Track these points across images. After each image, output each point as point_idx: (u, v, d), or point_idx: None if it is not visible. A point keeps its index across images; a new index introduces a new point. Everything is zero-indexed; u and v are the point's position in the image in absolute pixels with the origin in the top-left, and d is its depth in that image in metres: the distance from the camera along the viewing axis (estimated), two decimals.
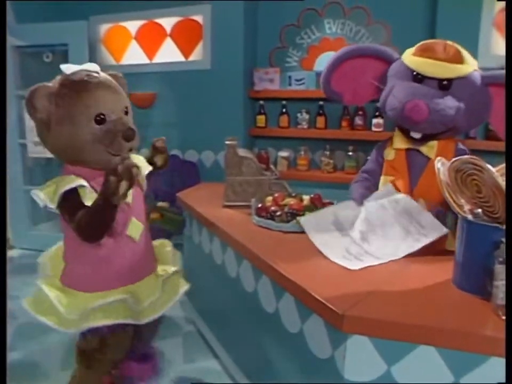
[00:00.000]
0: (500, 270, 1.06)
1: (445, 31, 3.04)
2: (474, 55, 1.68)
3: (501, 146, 1.62)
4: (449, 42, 1.59)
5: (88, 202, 1.43)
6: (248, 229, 1.81)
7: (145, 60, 4.05)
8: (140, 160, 1.66)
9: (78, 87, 1.43)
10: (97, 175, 1.46)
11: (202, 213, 2.07)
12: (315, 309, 1.19)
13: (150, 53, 4.05)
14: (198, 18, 3.81)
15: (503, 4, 3.09)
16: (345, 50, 1.79)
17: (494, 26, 3.12)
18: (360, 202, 1.65)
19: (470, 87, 1.56)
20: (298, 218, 1.70)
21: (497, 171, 1.18)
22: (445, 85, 1.56)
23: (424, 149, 1.61)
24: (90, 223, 1.42)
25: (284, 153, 3.63)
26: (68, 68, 1.48)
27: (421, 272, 1.35)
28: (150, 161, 1.79)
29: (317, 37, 3.66)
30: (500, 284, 1.06)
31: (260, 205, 1.89)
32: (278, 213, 1.77)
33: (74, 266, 1.57)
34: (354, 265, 1.34)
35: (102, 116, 1.43)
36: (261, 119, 3.69)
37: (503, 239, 1.07)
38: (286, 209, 1.78)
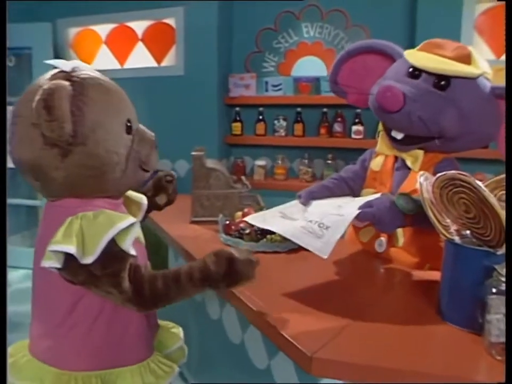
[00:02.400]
0: (493, 302, 0.92)
1: (425, 35, 2.90)
2: None
3: (484, 153, 1.47)
4: (466, 45, 1.39)
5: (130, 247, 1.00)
6: (215, 248, 1.65)
7: (116, 65, 3.89)
8: (140, 198, 1.26)
9: (101, 86, 1.03)
10: (116, 206, 1.09)
11: (166, 230, 1.90)
12: (281, 347, 1.04)
13: (121, 58, 3.89)
14: (171, 21, 3.66)
15: (483, 7, 3.02)
16: (356, 45, 1.62)
17: (475, 30, 3.04)
18: (304, 200, 1.46)
19: (473, 93, 1.35)
20: (269, 236, 1.54)
21: (486, 186, 1.04)
22: (441, 84, 1.35)
23: (409, 159, 1.41)
24: (165, 299, 1.01)
25: (260, 162, 3.51)
26: (64, 64, 1.05)
27: (401, 301, 1.20)
28: (150, 198, 1.35)
29: (294, 41, 3.53)
30: (494, 318, 0.91)
31: (227, 222, 1.73)
32: (247, 231, 1.61)
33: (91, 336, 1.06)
34: (323, 252, 1.15)
35: (129, 123, 1.06)
36: (236, 127, 3.55)
37: (496, 266, 0.93)
38: (256, 226, 1.62)
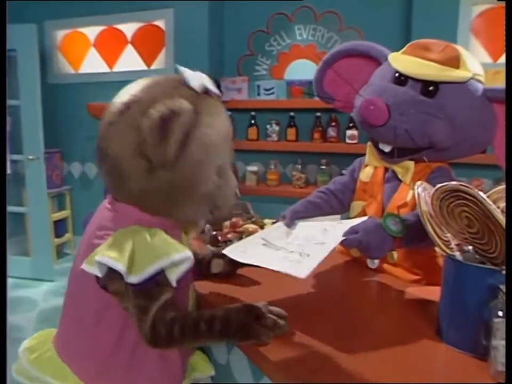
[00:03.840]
0: (499, 326, 0.83)
1: (420, 37, 2.87)
2: None
3: (481, 159, 1.38)
4: (454, 45, 1.28)
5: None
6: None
7: (105, 69, 3.83)
8: None
9: (219, 127, 0.94)
10: (171, 228, 0.99)
11: None
12: (268, 374, 0.95)
13: (110, 61, 3.82)
14: (160, 23, 3.60)
15: (480, 9, 2.96)
16: (341, 47, 1.49)
17: (472, 33, 2.99)
18: (288, 221, 1.34)
19: (464, 98, 1.24)
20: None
21: (488, 196, 0.96)
22: (429, 91, 1.24)
23: (399, 171, 1.31)
24: (179, 344, 0.96)
25: (252, 168, 3.44)
26: (194, 78, 0.95)
27: (397, 319, 1.11)
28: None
29: (287, 44, 3.47)
30: (500, 344, 0.83)
31: (214, 233, 1.64)
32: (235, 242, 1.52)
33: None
34: (301, 272, 1.05)
35: (223, 166, 0.99)
36: None
37: (502, 286, 0.85)
38: (244, 236, 1.53)
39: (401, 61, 1.30)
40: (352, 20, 3.26)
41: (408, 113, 1.22)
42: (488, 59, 2.98)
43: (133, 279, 0.86)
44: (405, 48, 1.33)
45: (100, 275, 0.89)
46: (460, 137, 1.25)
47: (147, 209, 0.95)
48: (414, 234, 1.13)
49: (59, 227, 4.01)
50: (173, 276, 0.91)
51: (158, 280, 0.89)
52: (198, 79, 0.95)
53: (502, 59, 2.97)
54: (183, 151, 0.89)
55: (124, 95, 0.94)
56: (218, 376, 1.32)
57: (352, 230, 1.15)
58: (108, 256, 0.87)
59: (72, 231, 4.17)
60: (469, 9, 2.96)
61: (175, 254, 0.90)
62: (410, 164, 1.29)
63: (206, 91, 0.95)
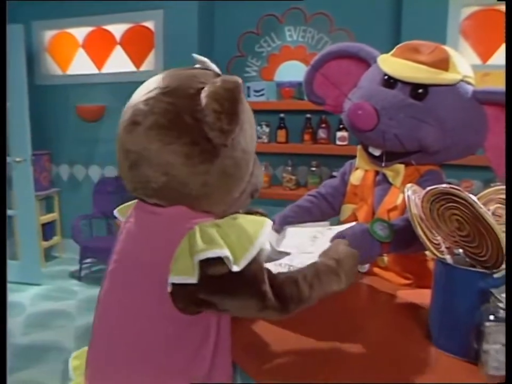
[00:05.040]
0: (491, 330, 0.82)
1: (410, 39, 2.87)
2: None
3: (471, 160, 1.37)
4: (443, 46, 1.27)
5: None
6: None
7: (94, 70, 3.80)
8: None
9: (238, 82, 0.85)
10: None
11: None
12: (255, 378, 0.93)
13: (99, 62, 3.78)
14: (150, 24, 3.57)
15: (469, 11, 2.97)
16: (330, 49, 1.49)
17: (461, 35, 2.99)
18: (278, 227, 1.32)
19: (454, 101, 1.23)
20: None
21: (479, 199, 0.95)
22: (419, 93, 1.23)
23: (389, 174, 1.31)
24: (307, 298, 0.88)
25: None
26: (207, 63, 0.92)
27: (387, 324, 1.10)
28: None
29: (277, 45, 3.45)
30: (492, 348, 0.82)
31: None
32: None
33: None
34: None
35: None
36: None
37: (493, 290, 0.84)
38: None
39: (390, 63, 1.29)
40: (343, 21, 3.25)
41: (397, 117, 1.21)
42: (477, 61, 2.99)
43: (239, 264, 0.78)
44: (394, 50, 1.32)
45: (195, 280, 0.77)
46: (450, 140, 1.24)
47: (195, 206, 0.87)
48: (402, 240, 1.11)
49: (47, 230, 3.96)
50: (266, 244, 0.85)
51: (256, 259, 0.81)
52: (211, 64, 0.92)
53: (491, 61, 2.98)
54: (249, 134, 0.87)
55: (148, 92, 0.85)
56: None
57: (340, 236, 1.13)
58: (205, 250, 0.76)
59: (60, 234, 4.12)
60: (458, 11, 2.96)
61: (266, 223, 0.84)
62: (401, 167, 1.28)
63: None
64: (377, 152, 1.29)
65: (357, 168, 1.40)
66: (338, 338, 1.01)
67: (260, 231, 0.82)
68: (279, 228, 1.31)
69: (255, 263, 0.81)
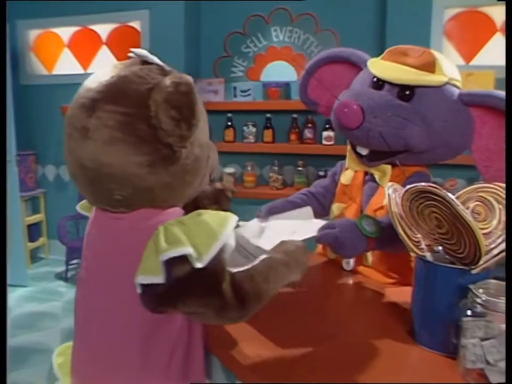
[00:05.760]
0: (468, 325, 0.84)
1: (395, 40, 2.88)
2: None
3: (455, 159, 1.39)
4: (431, 50, 1.29)
5: None
6: None
7: (79, 70, 3.78)
8: None
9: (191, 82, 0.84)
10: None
11: None
12: (240, 377, 0.94)
13: (85, 62, 3.76)
14: (136, 24, 3.56)
15: (452, 12, 3.00)
16: (323, 55, 1.52)
17: (444, 35, 3.03)
18: (263, 214, 1.34)
19: (440, 102, 1.25)
20: None
21: (458, 197, 0.97)
22: (405, 94, 1.25)
23: (377, 174, 1.33)
24: (267, 289, 0.85)
25: (229, 170, 3.42)
26: (156, 60, 0.88)
27: (370, 321, 1.12)
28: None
29: (264, 45, 3.46)
30: (469, 342, 0.83)
31: None
32: None
33: None
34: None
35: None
36: None
37: (471, 286, 0.86)
38: None
39: (379, 66, 1.32)
40: (328, 22, 3.28)
41: (383, 116, 1.23)
42: (460, 61, 3.03)
43: (202, 261, 0.77)
44: (384, 54, 1.35)
45: (162, 280, 0.78)
46: (436, 141, 1.26)
47: (163, 204, 0.88)
48: (388, 237, 1.13)
49: (33, 231, 3.93)
50: (230, 241, 0.86)
51: (218, 256, 0.81)
52: (152, 57, 0.89)
53: (474, 61, 3.02)
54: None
55: (93, 98, 0.82)
56: None
57: (329, 225, 1.16)
58: (167, 250, 0.76)
59: (46, 235, 4.09)
60: (442, 12, 3.00)
61: (231, 219, 0.84)
62: (387, 168, 1.30)
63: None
64: (364, 152, 1.31)
65: (347, 169, 1.42)
66: (321, 336, 1.02)
67: (224, 227, 0.82)
68: (264, 216, 1.33)
69: (218, 260, 0.81)
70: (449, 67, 1.29)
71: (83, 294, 0.93)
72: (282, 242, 0.95)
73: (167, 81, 0.79)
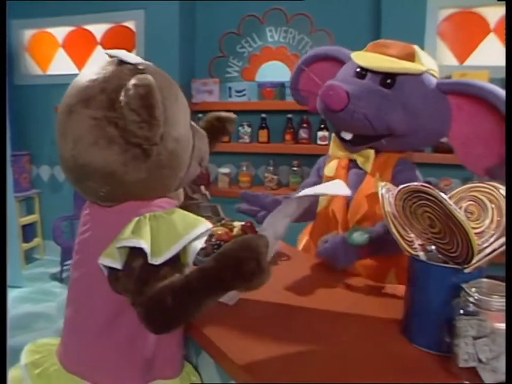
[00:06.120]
0: (461, 324, 0.84)
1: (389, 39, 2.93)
2: None
3: (450, 159, 1.44)
4: (411, 45, 1.37)
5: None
6: None
7: (74, 70, 3.78)
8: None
9: (167, 78, 0.95)
10: (173, 206, 0.97)
11: None
12: (234, 377, 0.94)
13: (79, 62, 3.76)
14: (131, 24, 3.56)
15: (446, 13, 3.02)
16: (311, 53, 1.62)
17: (439, 36, 3.04)
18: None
19: (419, 89, 1.32)
20: None
21: (451, 196, 0.98)
22: (387, 82, 1.32)
23: (360, 159, 1.37)
24: (178, 311, 0.82)
25: (224, 170, 3.43)
26: (129, 57, 0.92)
27: (363, 321, 1.12)
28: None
29: (259, 46, 3.47)
30: (462, 341, 0.84)
31: None
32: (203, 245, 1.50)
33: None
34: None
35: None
36: None
37: (464, 285, 0.86)
38: (212, 240, 1.52)
39: (362, 56, 1.40)
40: (323, 22, 3.28)
41: (367, 99, 1.29)
42: (454, 61, 3.04)
43: (158, 259, 0.82)
44: (366, 47, 1.43)
45: (119, 266, 0.85)
46: (416, 126, 1.32)
47: (149, 196, 0.95)
48: (378, 244, 1.21)
49: (27, 232, 3.92)
50: (192, 253, 0.87)
51: (174, 260, 0.85)
52: (129, 55, 0.93)
53: (468, 61, 3.03)
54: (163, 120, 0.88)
55: (71, 103, 0.89)
56: None
57: (323, 240, 1.27)
58: (127, 238, 0.83)
59: (41, 235, 4.08)
60: (436, 12, 3.01)
61: (199, 226, 0.87)
62: (371, 153, 1.36)
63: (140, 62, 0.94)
64: (348, 136, 1.36)
65: (330, 161, 1.46)
66: (314, 336, 1.02)
67: (188, 230, 0.85)
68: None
69: (174, 263, 0.85)
70: (428, 59, 1.37)
71: (73, 276, 1.03)
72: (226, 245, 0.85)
73: (129, 84, 0.84)
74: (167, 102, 0.90)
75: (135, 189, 0.93)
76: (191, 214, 0.91)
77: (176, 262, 0.86)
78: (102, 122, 0.87)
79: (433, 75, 1.35)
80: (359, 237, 1.20)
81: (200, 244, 0.88)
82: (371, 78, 1.34)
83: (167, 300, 0.81)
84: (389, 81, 1.31)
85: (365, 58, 1.38)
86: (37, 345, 1.12)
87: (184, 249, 0.87)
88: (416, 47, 1.36)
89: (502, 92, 1.19)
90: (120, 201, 0.95)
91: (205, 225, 0.89)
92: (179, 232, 0.85)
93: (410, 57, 1.32)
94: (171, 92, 0.94)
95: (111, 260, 0.86)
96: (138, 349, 0.97)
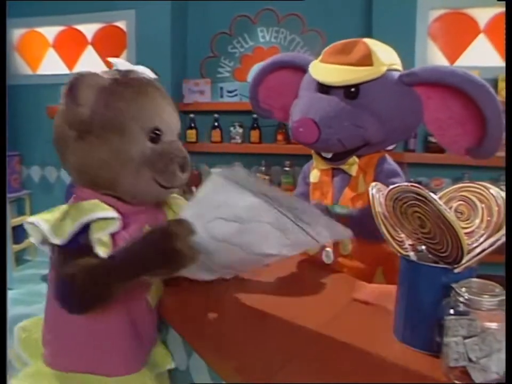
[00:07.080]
0: (451, 324, 0.85)
1: (380, 40, 2.93)
2: (411, 65, 1.48)
3: (441, 158, 1.44)
4: (364, 41, 1.32)
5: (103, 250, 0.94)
6: None
7: (65, 70, 3.75)
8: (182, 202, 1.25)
9: (136, 87, 1.03)
10: (128, 211, 1.03)
11: None
12: (226, 379, 0.94)
13: (70, 62, 3.74)
14: (122, 24, 3.54)
15: (437, 13, 3.03)
16: (267, 63, 1.56)
17: (429, 36, 3.06)
18: None
19: (384, 91, 1.30)
20: None
21: (441, 196, 0.98)
22: (351, 93, 1.30)
23: (345, 167, 1.37)
24: (93, 290, 0.91)
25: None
26: (120, 63, 1.06)
27: (353, 321, 1.12)
28: None
29: (250, 46, 3.47)
30: (452, 341, 0.84)
31: None
32: None
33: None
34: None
35: (157, 132, 1.04)
36: (191, 134, 3.43)
37: (454, 285, 0.86)
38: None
39: (320, 70, 1.36)
40: (314, 22, 3.29)
41: (337, 123, 1.28)
42: (445, 62, 3.06)
43: (57, 239, 0.93)
44: (321, 56, 1.39)
45: (35, 242, 1.00)
46: (390, 127, 1.31)
47: (93, 186, 1.04)
48: (360, 223, 1.20)
49: (18, 233, 3.88)
50: (97, 235, 0.94)
51: (81, 244, 0.93)
52: (123, 63, 1.08)
53: (459, 62, 3.05)
54: (100, 113, 0.98)
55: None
56: (179, 382, 1.30)
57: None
58: (34, 220, 0.98)
59: None
60: (426, 13, 3.03)
61: (100, 211, 0.95)
62: (354, 159, 1.36)
63: (132, 72, 1.06)
64: (328, 155, 1.36)
65: (314, 168, 1.46)
66: (304, 336, 1.02)
67: (84, 215, 0.94)
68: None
69: (79, 245, 0.94)
70: (385, 54, 1.32)
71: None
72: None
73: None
74: (113, 103, 0.99)
75: (72, 170, 1.07)
76: (104, 204, 0.98)
77: (89, 247, 0.93)
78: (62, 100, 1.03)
79: (395, 69, 1.32)
80: (340, 207, 1.29)
81: (104, 231, 0.95)
82: (334, 92, 1.31)
83: (77, 279, 0.89)
84: (352, 90, 1.29)
85: (324, 73, 1.35)
86: (36, 318, 1.23)
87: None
88: (370, 45, 1.30)
89: (463, 72, 1.20)
90: (74, 181, 1.09)
91: (107, 212, 0.96)
92: (75, 216, 0.94)
93: (368, 60, 1.28)
94: (128, 99, 1.01)
95: (32, 237, 1.01)
96: (80, 336, 1.04)
